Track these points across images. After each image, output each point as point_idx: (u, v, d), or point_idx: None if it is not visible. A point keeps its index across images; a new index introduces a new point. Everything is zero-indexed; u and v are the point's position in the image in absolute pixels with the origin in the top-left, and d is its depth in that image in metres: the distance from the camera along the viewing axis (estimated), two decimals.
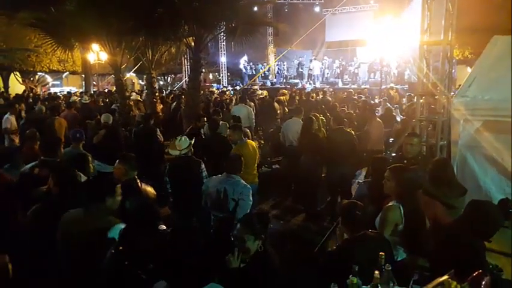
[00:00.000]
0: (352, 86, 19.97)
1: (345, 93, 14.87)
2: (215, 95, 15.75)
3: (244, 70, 24.24)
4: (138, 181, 3.88)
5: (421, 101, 5.96)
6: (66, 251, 2.89)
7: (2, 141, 7.25)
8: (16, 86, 21.89)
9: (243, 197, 4.04)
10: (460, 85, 6.85)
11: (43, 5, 10.04)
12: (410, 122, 6.34)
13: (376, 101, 13.14)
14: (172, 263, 2.63)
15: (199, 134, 6.89)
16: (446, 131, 5.41)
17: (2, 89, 20.44)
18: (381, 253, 2.57)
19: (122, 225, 2.77)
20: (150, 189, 3.92)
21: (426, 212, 3.13)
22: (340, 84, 21.77)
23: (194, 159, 4.89)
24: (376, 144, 7.16)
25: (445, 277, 1.97)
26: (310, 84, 21.92)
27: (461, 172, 4.71)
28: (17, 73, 21.69)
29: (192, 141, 5.02)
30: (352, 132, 6.30)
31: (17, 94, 16.83)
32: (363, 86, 19.52)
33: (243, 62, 24.16)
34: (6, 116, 8.13)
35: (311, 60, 23.35)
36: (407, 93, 12.42)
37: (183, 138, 5.00)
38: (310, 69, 22.93)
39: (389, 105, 10.68)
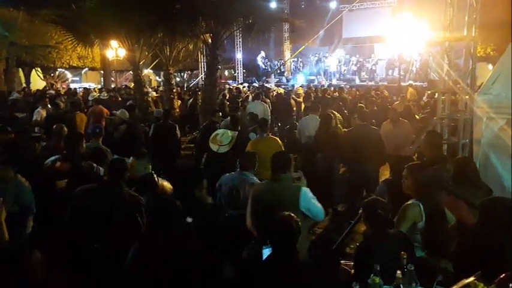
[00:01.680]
0: (370, 83, 19.74)
1: (357, 91, 14.73)
2: (233, 92, 15.75)
3: (264, 67, 24.12)
4: (155, 176, 3.91)
5: (443, 97, 5.83)
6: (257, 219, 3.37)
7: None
8: (37, 81, 22.36)
9: None
10: (482, 83, 6.68)
11: (64, 2, 10.23)
12: (431, 120, 6.22)
13: (394, 98, 12.95)
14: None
15: (215, 129, 6.90)
16: (468, 129, 5.30)
17: (24, 85, 20.89)
18: (402, 252, 2.54)
19: (306, 189, 3.34)
20: (166, 184, 3.94)
21: (452, 213, 3.08)
22: (357, 81, 21.56)
23: (231, 155, 4.72)
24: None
25: (472, 279, 1.93)
26: (327, 80, 21.79)
27: (484, 171, 4.59)
28: (38, 69, 22.14)
29: (235, 135, 4.78)
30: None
31: (37, 90, 17.16)
32: (380, 83, 19.28)
33: (260, 58, 24.04)
34: (37, 109, 8.43)
35: (327, 57, 23.16)
36: (427, 91, 12.18)
37: (225, 133, 4.77)
38: (326, 66, 22.75)
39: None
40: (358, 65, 22.72)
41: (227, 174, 4.31)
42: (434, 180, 3.45)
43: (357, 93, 14.55)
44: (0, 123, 6.38)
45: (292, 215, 2.59)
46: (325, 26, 21.59)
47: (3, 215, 2.79)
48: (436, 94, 6.19)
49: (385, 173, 6.63)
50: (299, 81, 22.21)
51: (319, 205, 3.39)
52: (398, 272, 2.43)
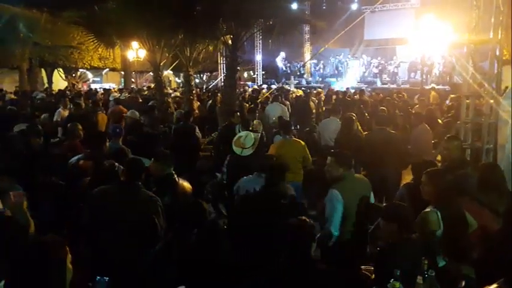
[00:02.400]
0: (392, 86, 19.48)
1: (379, 94, 14.52)
2: (248, 93, 15.76)
3: (284, 68, 24.06)
4: (175, 176, 3.94)
5: (467, 101, 5.69)
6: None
7: (56, 134, 7.70)
8: (59, 81, 22.88)
9: None
10: (507, 86, 6.50)
11: (86, 3, 10.45)
12: (454, 124, 6.08)
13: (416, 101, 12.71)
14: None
15: (234, 130, 6.90)
16: (493, 134, 5.17)
17: (46, 85, 21.41)
18: (423, 258, 2.50)
19: None
20: (186, 184, 3.97)
21: (475, 219, 3.01)
22: (379, 84, 21.28)
23: (256, 159, 4.59)
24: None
25: (494, 285, 1.88)
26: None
27: (509, 177, 4.47)
28: (60, 69, 22.63)
29: (258, 137, 4.72)
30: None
31: (59, 90, 17.55)
32: (402, 86, 19.00)
33: (280, 59, 23.95)
34: (58, 109, 8.59)
35: (349, 59, 22.97)
36: (451, 95, 11.91)
37: (248, 135, 4.71)
38: (348, 68, 22.59)
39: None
40: (379, 68, 22.44)
41: (245, 177, 4.28)
42: (455, 185, 3.37)
43: (380, 95, 14.37)
44: (21, 122, 6.56)
45: (304, 218, 2.55)
46: (346, 28, 21.41)
47: (25, 204, 2.88)
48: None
49: (406, 178, 6.52)
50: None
51: None
52: (419, 277, 2.39)
